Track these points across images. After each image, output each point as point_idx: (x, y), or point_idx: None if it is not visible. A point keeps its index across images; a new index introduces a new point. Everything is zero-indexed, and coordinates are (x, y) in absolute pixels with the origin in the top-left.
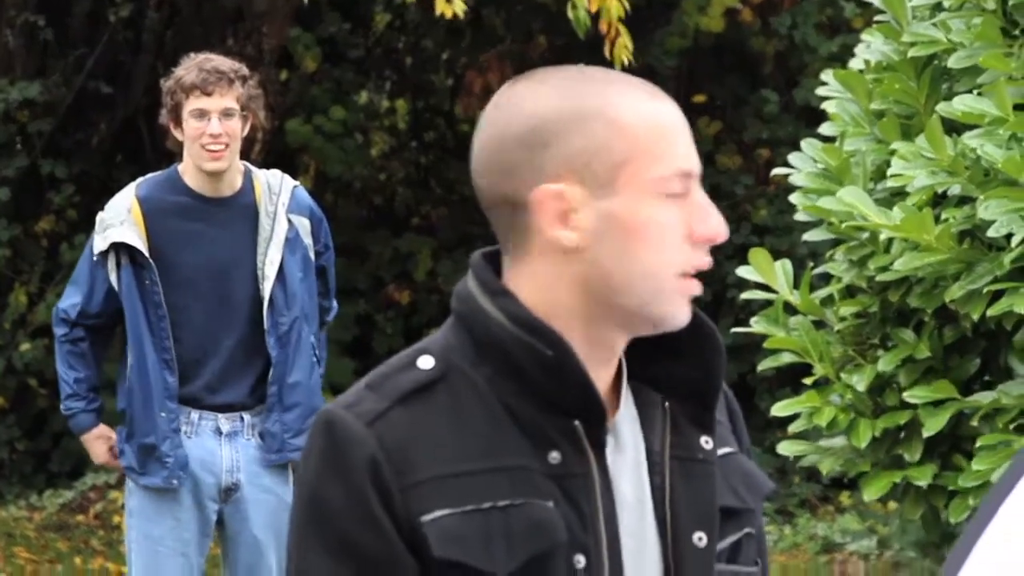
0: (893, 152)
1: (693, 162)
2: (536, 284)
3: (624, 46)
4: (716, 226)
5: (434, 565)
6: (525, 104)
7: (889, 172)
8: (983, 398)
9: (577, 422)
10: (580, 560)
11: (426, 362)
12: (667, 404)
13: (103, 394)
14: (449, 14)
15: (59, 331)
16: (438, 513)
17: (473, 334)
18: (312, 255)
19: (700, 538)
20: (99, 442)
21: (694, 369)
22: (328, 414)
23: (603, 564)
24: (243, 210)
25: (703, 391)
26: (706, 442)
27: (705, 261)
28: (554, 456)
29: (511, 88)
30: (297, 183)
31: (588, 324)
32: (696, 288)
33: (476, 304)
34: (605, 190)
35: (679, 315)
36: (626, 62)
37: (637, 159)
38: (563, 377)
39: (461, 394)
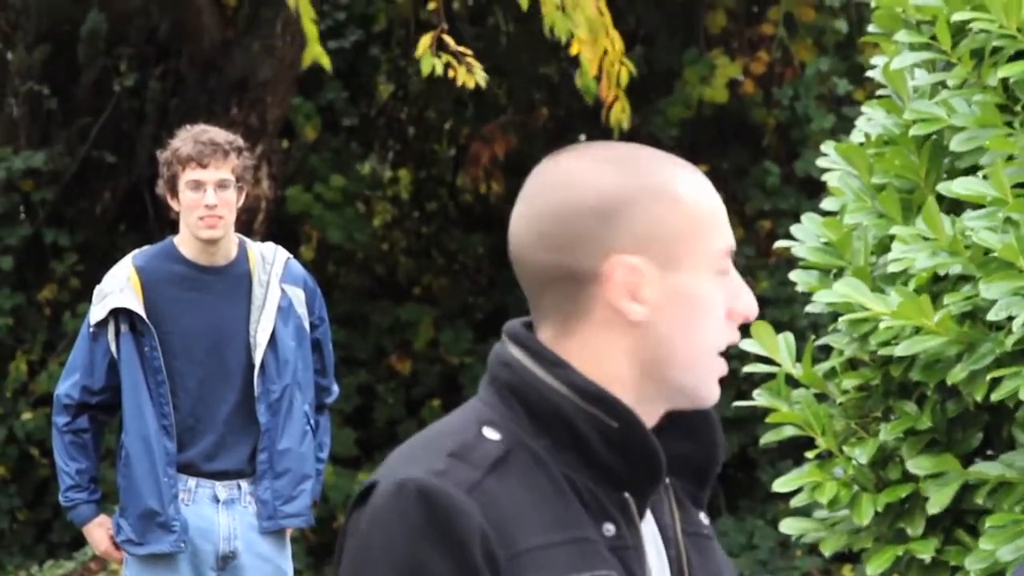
0: (893, 237)
1: (733, 240)
2: (589, 356)
3: (622, 110)
4: (752, 304)
5: None
6: (589, 178)
7: (889, 257)
8: (989, 469)
9: (627, 494)
10: None
11: (493, 434)
12: (669, 480)
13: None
14: (471, 84)
15: (61, 420)
16: None
17: (530, 405)
18: (307, 325)
19: None
20: (100, 530)
21: (695, 447)
22: (419, 483)
23: None
24: (237, 279)
25: (702, 469)
26: (705, 518)
27: (737, 338)
28: (608, 528)
29: (563, 163)
30: (290, 255)
31: (638, 398)
32: (725, 367)
33: (531, 375)
34: (671, 265)
35: (715, 393)
36: (623, 127)
37: (697, 235)
38: (629, 448)
39: (529, 466)
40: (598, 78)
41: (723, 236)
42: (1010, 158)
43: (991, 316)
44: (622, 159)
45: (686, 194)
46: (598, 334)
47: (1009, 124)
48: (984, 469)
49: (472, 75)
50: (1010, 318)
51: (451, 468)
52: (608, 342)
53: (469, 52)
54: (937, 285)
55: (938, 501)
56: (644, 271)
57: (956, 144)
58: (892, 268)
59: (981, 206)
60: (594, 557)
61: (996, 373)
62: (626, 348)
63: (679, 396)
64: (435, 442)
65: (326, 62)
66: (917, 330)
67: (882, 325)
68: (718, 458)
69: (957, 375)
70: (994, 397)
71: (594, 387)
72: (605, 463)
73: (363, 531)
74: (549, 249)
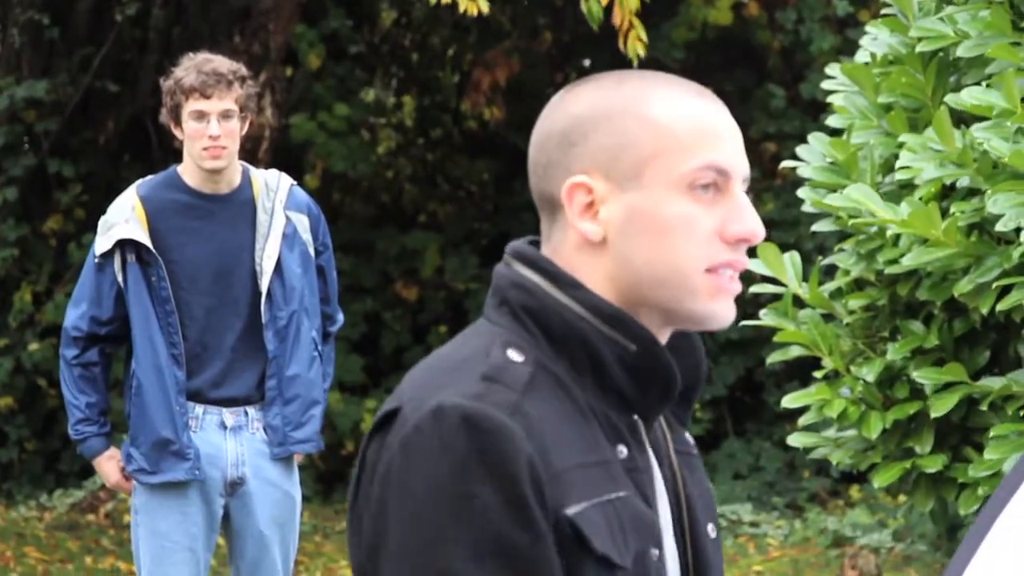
0: (901, 145)
1: (731, 161)
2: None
3: (638, 38)
4: (751, 225)
5: (574, 560)
6: (563, 105)
7: (897, 165)
8: (993, 383)
9: (636, 416)
10: (655, 553)
11: (517, 356)
12: None
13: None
14: (474, 11)
15: (69, 353)
16: (582, 505)
17: (549, 328)
18: (312, 252)
19: (712, 529)
20: (111, 463)
21: (678, 367)
22: (460, 408)
23: (665, 558)
24: (241, 207)
25: (687, 388)
26: (689, 437)
27: (740, 261)
28: (621, 450)
29: (563, 91)
30: (294, 182)
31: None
32: (733, 287)
33: (549, 297)
34: (631, 183)
35: (721, 314)
36: (640, 54)
37: (666, 153)
38: (644, 370)
39: (553, 388)
40: (610, 5)
41: (708, 153)
42: (1018, 71)
43: (999, 227)
44: (610, 84)
45: (656, 111)
46: (576, 258)
47: (1017, 41)
48: (989, 383)
49: (475, 2)
50: (1018, 230)
51: (488, 391)
52: (585, 265)
53: None
54: (945, 201)
55: (941, 407)
56: (596, 189)
57: (962, 51)
58: (899, 176)
59: (988, 119)
60: (617, 479)
61: (1003, 281)
62: (602, 271)
63: (674, 317)
64: (459, 366)
65: None
66: (924, 243)
67: (889, 232)
68: (701, 378)
69: (963, 287)
70: (1000, 307)
71: (613, 309)
72: (619, 386)
73: (396, 463)
74: (533, 175)
